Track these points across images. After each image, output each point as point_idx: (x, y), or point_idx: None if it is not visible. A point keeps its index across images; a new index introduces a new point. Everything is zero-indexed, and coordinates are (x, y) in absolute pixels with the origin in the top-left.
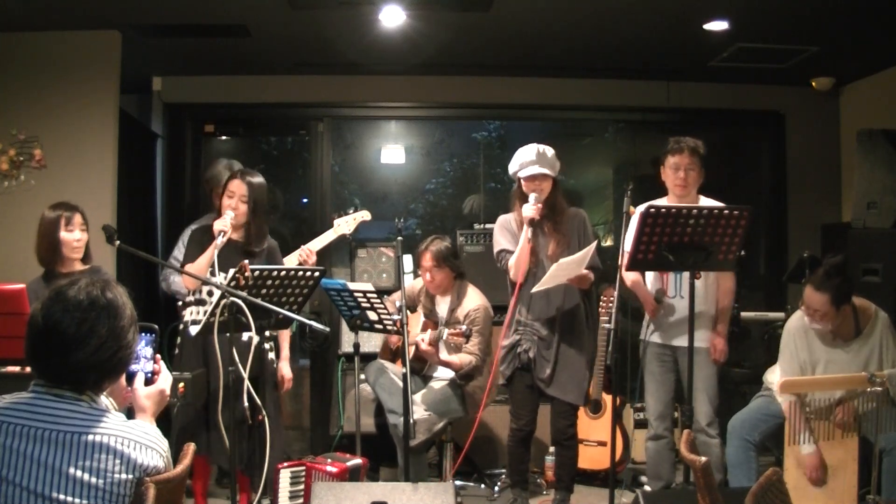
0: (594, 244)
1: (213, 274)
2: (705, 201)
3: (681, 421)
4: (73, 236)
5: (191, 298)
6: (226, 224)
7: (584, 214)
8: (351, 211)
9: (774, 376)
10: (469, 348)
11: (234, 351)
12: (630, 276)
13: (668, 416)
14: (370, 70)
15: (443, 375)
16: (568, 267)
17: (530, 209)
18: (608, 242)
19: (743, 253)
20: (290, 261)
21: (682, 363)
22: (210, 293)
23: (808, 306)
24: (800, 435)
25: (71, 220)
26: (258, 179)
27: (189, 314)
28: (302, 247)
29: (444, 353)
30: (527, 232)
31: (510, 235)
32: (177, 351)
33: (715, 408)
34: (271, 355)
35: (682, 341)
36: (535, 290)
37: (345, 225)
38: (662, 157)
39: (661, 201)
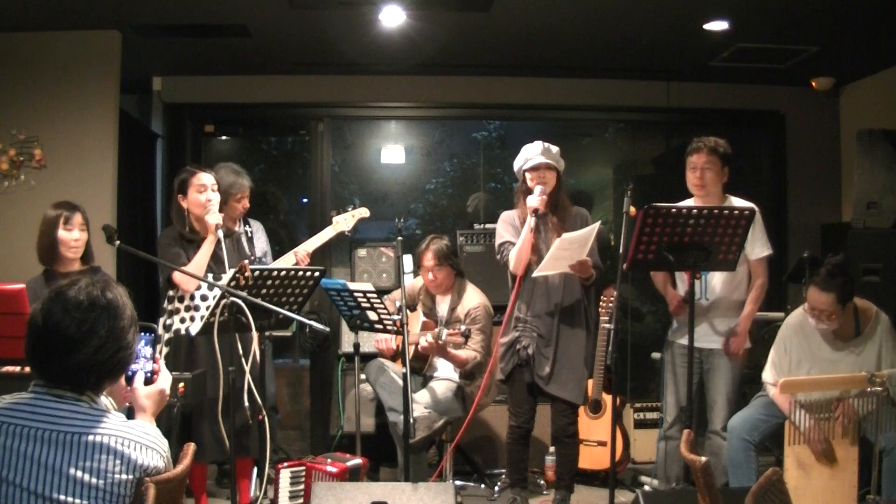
0: (598, 223)
1: (223, 271)
2: (735, 202)
3: (681, 420)
4: (71, 235)
5: (178, 305)
6: (219, 218)
7: (587, 213)
8: (350, 208)
9: (767, 373)
10: (471, 346)
11: (235, 349)
12: (659, 274)
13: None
14: (370, 70)
15: (443, 375)
16: (570, 246)
17: (535, 199)
18: (611, 243)
19: (771, 253)
20: (284, 263)
21: (707, 364)
22: (204, 297)
23: (812, 307)
24: (800, 426)
25: (70, 219)
26: (214, 171)
27: (178, 321)
28: (295, 249)
29: (449, 347)
30: (530, 222)
31: (513, 230)
32: (163, 361)
33: (733, 413)
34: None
35: (708, 343)
36: (536, 273)
37: (343, 222)
38: (685, 157)
39: (690, 202)
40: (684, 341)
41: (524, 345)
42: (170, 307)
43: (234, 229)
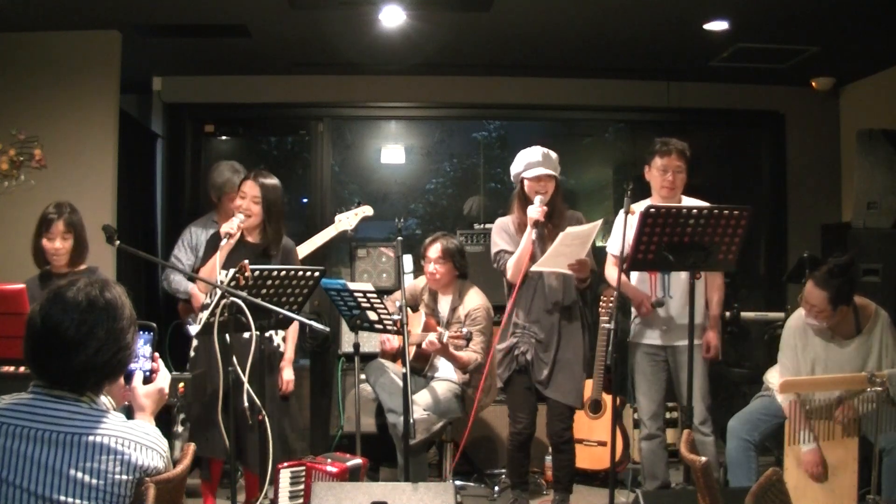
0: (600, 221)
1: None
2: (688, 202)
3: (681, 421)
4: (51, 245)
5: (208, 301)
6: (232, 227)
7: (581, 216)
8: (353, 206)
9: (774, 376)
10: (472, 347)
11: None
12: (613, 278)
13: (660, 415)
14: (370, 70)
15: (443, 376)
16: (573, 242)
17: (535, 210)
18: (606, 242)
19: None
20: None
21: (674, 362)
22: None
23: (806, 300)
24: (800, 433)
25: (50, 227)
26: (271, 181)
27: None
28: None
29: (451, 348)
30: (531, 233)
31: (508, 237)
32: (192, 353)
33: (707, 406)
34: (279, 346)
35: (673, 341)
36: (534, 268)
37: (346, 221)
38: (649, 158)
39: (646, 202)
40: (650, 341)
41: (522, 350)
42: (205, 301)
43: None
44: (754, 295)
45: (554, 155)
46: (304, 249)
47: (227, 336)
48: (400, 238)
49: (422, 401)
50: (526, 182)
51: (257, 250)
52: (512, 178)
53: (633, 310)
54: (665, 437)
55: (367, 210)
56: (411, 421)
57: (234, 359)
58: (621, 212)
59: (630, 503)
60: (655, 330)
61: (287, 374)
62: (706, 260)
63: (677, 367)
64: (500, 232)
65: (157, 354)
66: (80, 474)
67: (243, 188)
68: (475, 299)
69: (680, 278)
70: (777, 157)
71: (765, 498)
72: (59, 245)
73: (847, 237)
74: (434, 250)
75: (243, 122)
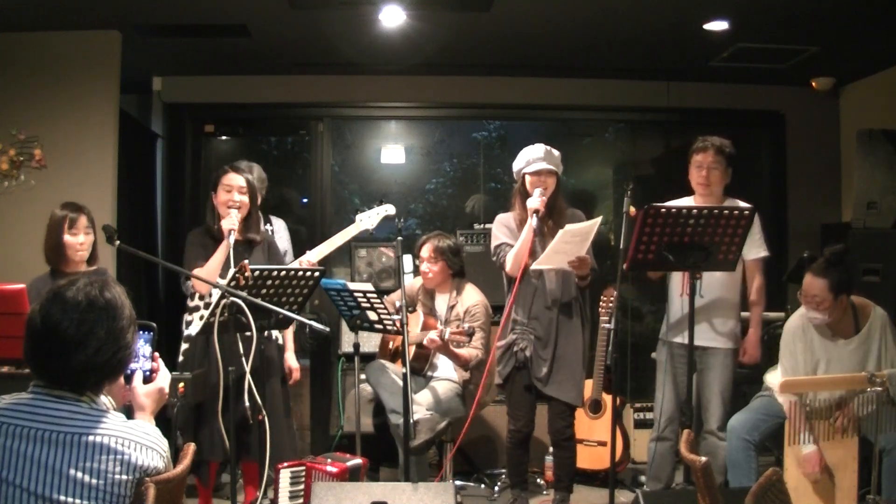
0: (599, 218)
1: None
2: (734, 203)
3: (680, 420)
4: (76, 240)
5: (198, 303)
6: (234, 223)
7: (582, 214)
8: (375, 205)
9: (774, 377)
10: (473, 344)
11: (240, 349)
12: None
13: (677, 419)
14: (370, 70)
15: (443, 375)
16: (572, 239)
17: (536, 201)
18: (611, 243)
19: (768, 254)
20: None
21: (701, 363)
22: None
23: (806, 293)
24: (800, 434)
25: (75, 222)
26: (252, 174)
27: (199, 318)
28: (300, 259)
29: (453, 345)
30: (532, 223)
31: (509, 232)
32: (181, 358)
33: (728, 412)
34: (277, 338)
35: (703, 342)
36: (535, 266)
37: (367, 220)
38: (689, 156)
39: (687, 200)
40: (680, 339)
41: (521, 347)
42: (192, 304)
43: (255, 238)
44: None
45: (556, 152)
46: (324, 249)
47: (230, 336)
48: (400, 238)
49: (424, 401)
50: (527, 177)
51: (244, 244)
52: (514, 176)
53: (669, 303)
54: (676, 441)
55: (389, 209)
56: (413, 421)
57: (242, 351)
58: None
59: (630, 503)
60: (685, 329)
61: (292, 363)
62: (706, 260)
63: (705, 368)
64: (501, 226)
65: (157, 354)
66: (80, 474)
67: (227, 181)
68: (473, 296)
69: (714, 277)
70: (777, 157)
71: (765, 498)
72: (83, 239)
73: (847, 237)
74: (425, 249)
75: (243, 122)
